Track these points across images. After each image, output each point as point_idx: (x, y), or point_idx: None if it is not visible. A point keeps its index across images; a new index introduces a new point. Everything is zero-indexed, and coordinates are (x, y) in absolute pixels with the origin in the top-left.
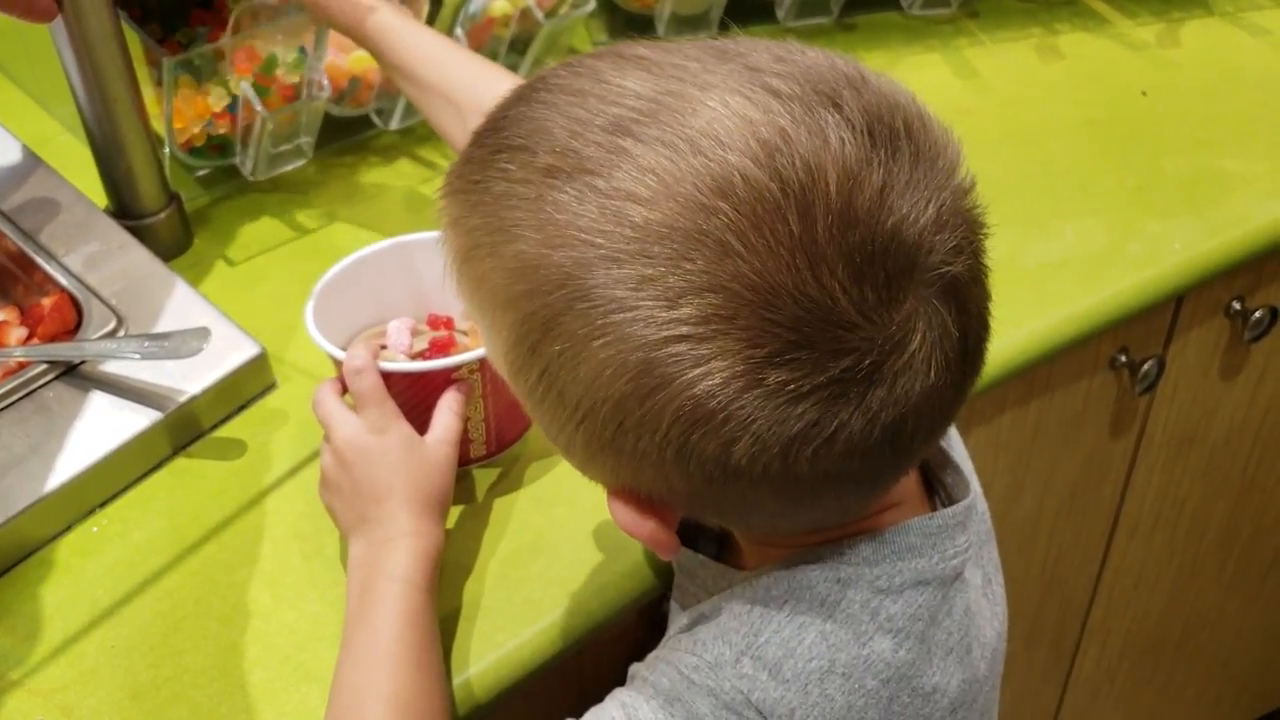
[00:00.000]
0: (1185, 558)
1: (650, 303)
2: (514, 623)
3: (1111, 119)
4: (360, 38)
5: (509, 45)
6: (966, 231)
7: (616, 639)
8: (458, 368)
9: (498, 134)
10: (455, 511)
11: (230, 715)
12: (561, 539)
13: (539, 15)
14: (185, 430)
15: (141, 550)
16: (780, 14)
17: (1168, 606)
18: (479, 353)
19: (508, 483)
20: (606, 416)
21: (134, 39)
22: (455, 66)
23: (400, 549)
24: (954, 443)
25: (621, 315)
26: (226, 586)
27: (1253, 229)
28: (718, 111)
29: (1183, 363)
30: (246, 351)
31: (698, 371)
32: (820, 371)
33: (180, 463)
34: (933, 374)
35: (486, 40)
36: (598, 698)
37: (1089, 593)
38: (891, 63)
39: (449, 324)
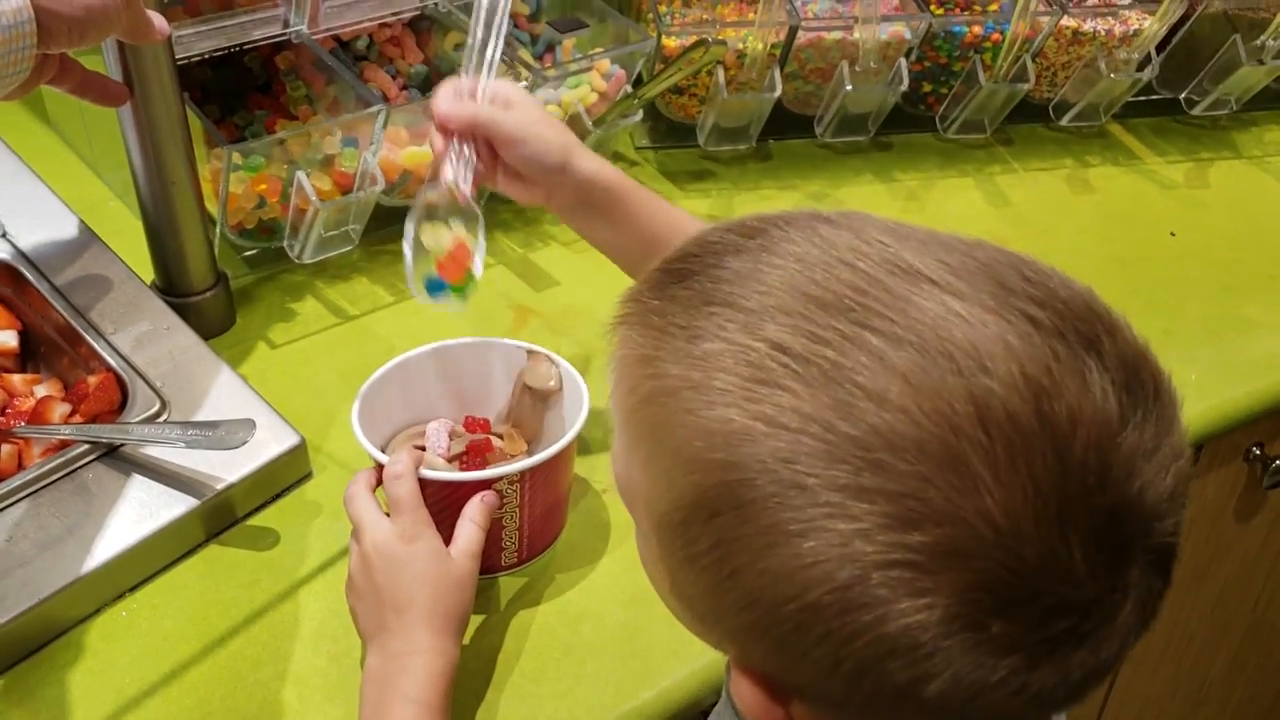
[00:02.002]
0: (1190, 691)
1: (878, 518)
2: None
3: (1140, 259)
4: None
5: None
6: (1185, 505)
7: None
8: (497, 479)
9: (712, 283)
10: (479, 620)
11: None
12: (587, 655)
13: (588, 122)
14: (220, 517)
15: (170, 639)
16: (819, 130)
17: None
18: (518, 466)
19: (534, 593)
20: (786, 615)
21: (195, 122)
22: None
23: (416, 667)
24: None
25: (840, 523)
26: (253, 684)
27: (1277, 378)
28: (976, 330)
29: (1200, 503)
30: (286, 441)
31: (914, 603)
32: (1041, 628)
33: (213, 550)
34: (1129, 640)
35: None
36: None
37: None
38: (926, 185)
39: (485, 426)
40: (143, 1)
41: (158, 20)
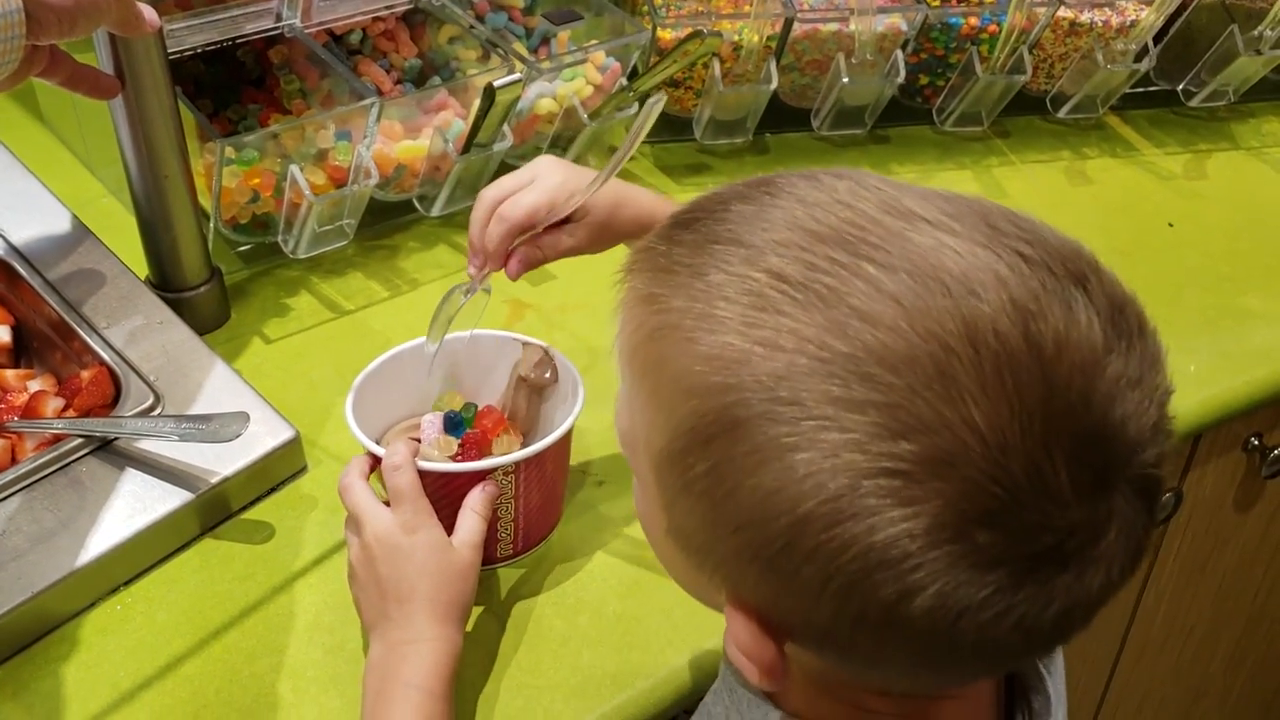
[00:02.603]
0: (1191, 682)
1: (870, 428)
2: None
3: (1138, 249)
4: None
5: (551, 141)
6: (1168, 438)
7: None
8: (493, 470)
9: (717, 224)
10: (476, 612)
11: None
12: (583, 646)
13: (584, 115)
14: (215, 511)
15: (164, 632)
16: (816, 123)
17: None
18: (513, 457)
19: (531, 585)
20: (778, 531)
21: (188, 116)
22: None
23: (419, 654)
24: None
25: (833, 434)
26: (248, 676)
27: (1274, 368)
28: (967, 260)
29: (1199, 494)
30: (281, 435)
31: (903, 511)
32: (1025, 542)
33: (208, 543)
34: (1114, 572)
35: (530, 136)
36: None
37: (1093, 714)
38: (923, 177)
39: (501, 421)
40: None
41: (148, 12)
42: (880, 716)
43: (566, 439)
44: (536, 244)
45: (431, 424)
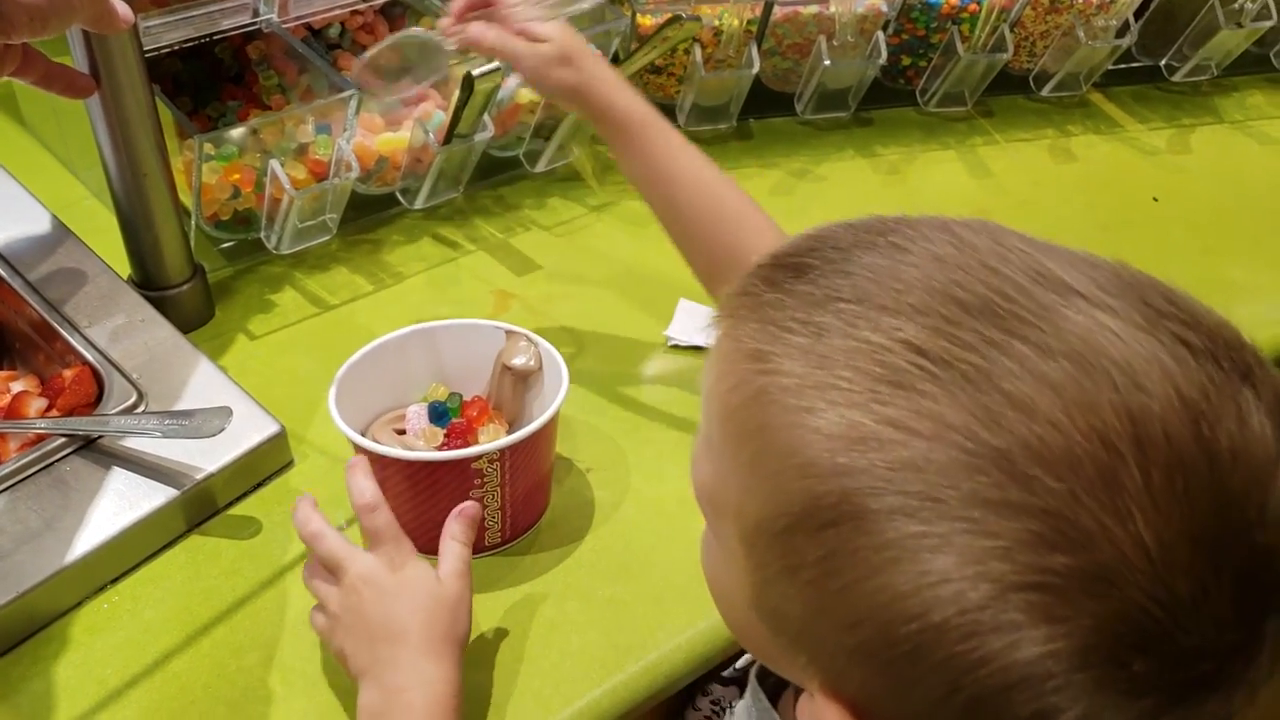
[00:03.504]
0: None
1: (1023, 536)
2: (522, 718)
3: (1123, 224)
4: (625, 136)
5: (533, 131)
6: None
7: None
8: (477, 458)
9: (840, 276)
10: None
11: None
12: (572, 632)
13: None
14: (201, 507)
15: (152, 629)
16: (800, 107)
17: None
18: (498, 444)
19: (519, 573)
20: (904, 636)
21: (166, 113)
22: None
23: (421, 701)
24: None
25: (981, 541)
26: (236, 671)
27: (1259, 339)
28: (1130, 346)
29: None
30: (266, 430)
31: (1050, 630)
32: (1181, 669)
33: (194, 540)
34: (1257, 687)
35: (513, 125)
36: None
37: None
38: (908, 159)
39: (485, 409)
40: None
41: (121, 8)
42: None
43: (552, 426)
44: (492, 23)
45: (417, 415)
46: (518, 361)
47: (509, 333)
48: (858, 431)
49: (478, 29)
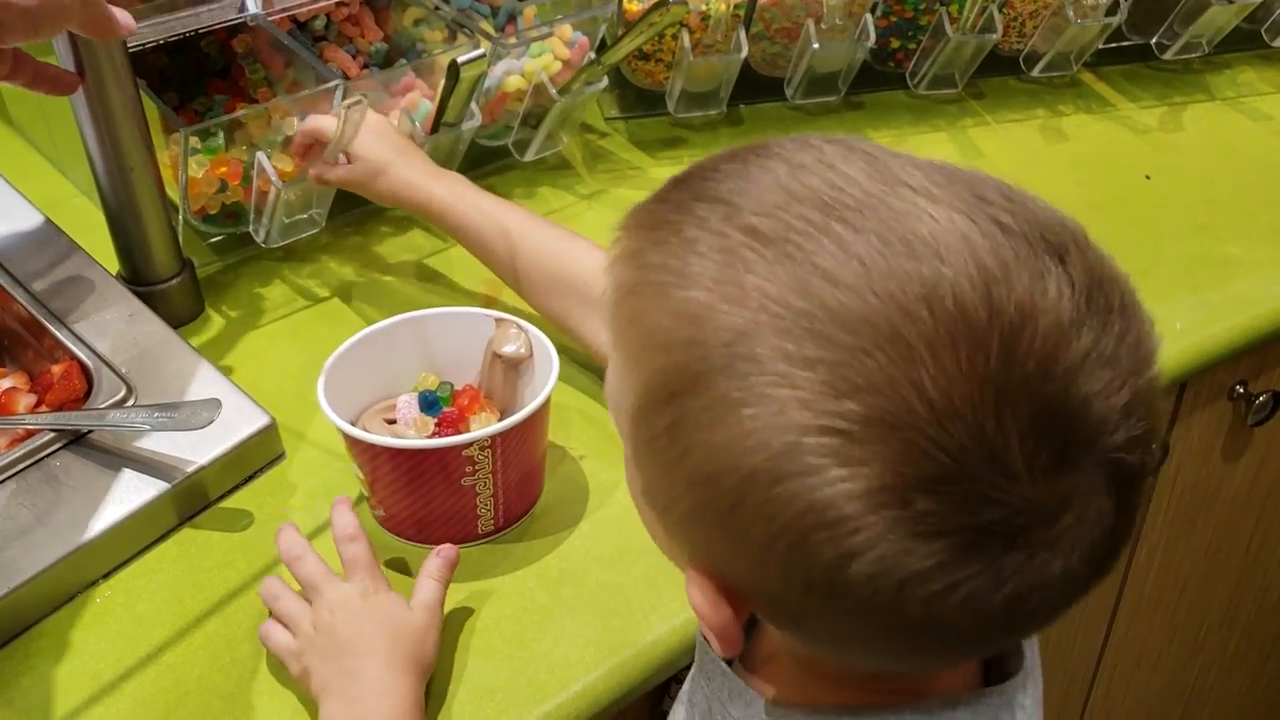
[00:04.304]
0: (1186, 638)
1: (817, 386)
2: (518, 704)
3: (1115, 202)
4: (426, 214)
5: (522, 120)
6: (1149, 426)
7: None
8: (468, 445)
9: (704, 183)
10: (461, 589)
11: None
12: (567, 616)
13: (553, 91)
14: (192, 500)
15: (145, 623)
16: (789, 92)
17: (1169, 686)
18: (489, 430)
19: (513, 559)
20: (728, 488)
21: (151, 107)
22: (529, 240)
23: (379, 711)
24: None
25: (782, 391)
26: (229, 663)
27: (1256, 314)
28: (940, 225)
29: (1186, 446)
30: (256, 422)
31: (842, 472)
32: (967, 513)
33: (186, 533)
34: (1074, 558)
35: (500, 114)
36: None
37: (1091, 672)
38: (898, 141)
39: (476, 398)
40: None
41: (123, 16)
42: (871, 705)
43: (543, 412)
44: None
45: (407, 404)
46: (508, 349)
47: (499, 320)
48: (697, 308)
49: (312, 173)
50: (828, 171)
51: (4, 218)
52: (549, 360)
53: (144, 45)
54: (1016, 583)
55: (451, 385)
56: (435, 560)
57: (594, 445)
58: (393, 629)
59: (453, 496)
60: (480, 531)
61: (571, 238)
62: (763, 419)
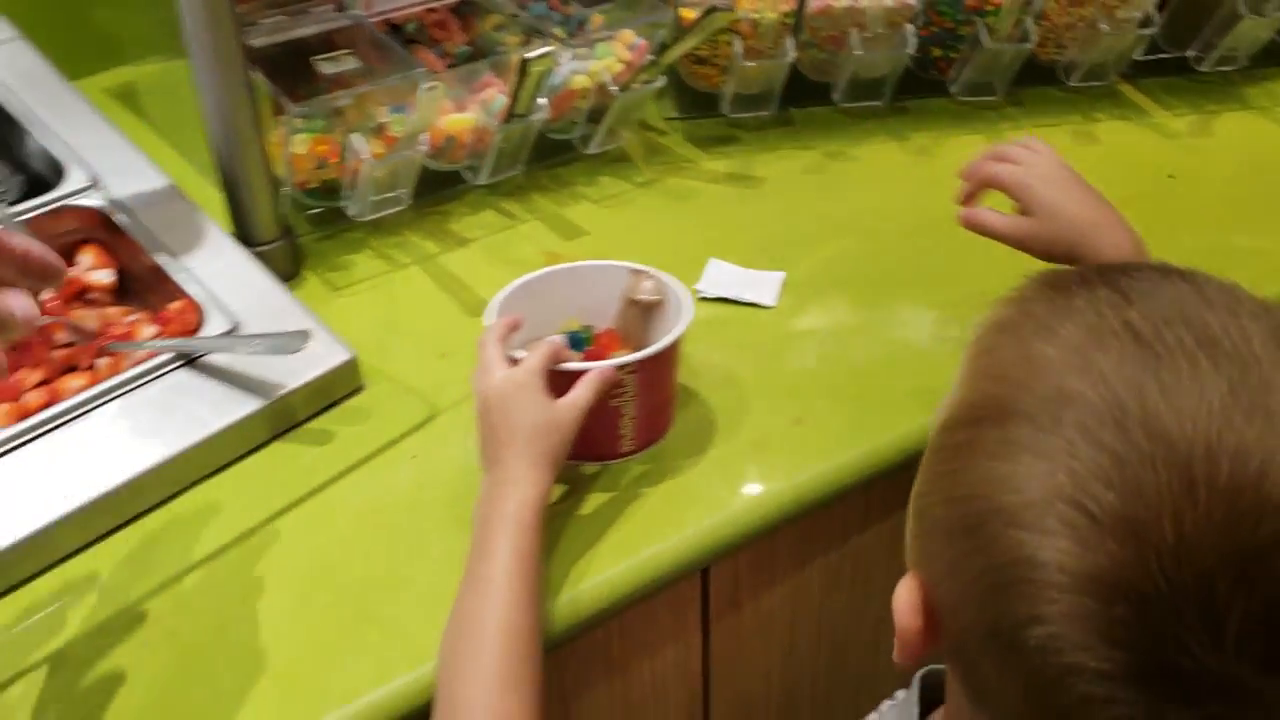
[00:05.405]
0: None
1: (1093, 467)
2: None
3: (1137, 198)
4: None
5: (587, 116)
6: None
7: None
8: (621, 367)
9: (1121, 275)
10: (599, 498)
11: (298, 650)
12: (672, 532)
13: (613, 88)
14: (282, 419)
15: (241, 514)
16: (836, 96)
17: None
18: (634, 357)
19: (646, 479)
20: (973, 511)
21: (263, 91)
22: None
23: (514, 494)
24: None
25: (1063, 456)
26: (307, 549)
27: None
28: None
29: None
30: (340, 355)
31: (1071, 546)
32: (1155, 644)
33: (276, 446)
34: None
35: (567, 109)
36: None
37: None
38: (937, 142)
39: (616, 340)
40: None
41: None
42: None
43: (677, 345)
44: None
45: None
46: (644, 295)
47: (633, 270)
48: (1044, 361)
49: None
50: (1229, 317)
51: (139, 182)
52: (678, 303)
53: (268, 45)
54: None
55: (593, 327)
56: (595, 374)
57: (713, 388)
58: (534, 425)
59: (604, 415)
60: (622, 450)
61: None
62: (1036, 470)
